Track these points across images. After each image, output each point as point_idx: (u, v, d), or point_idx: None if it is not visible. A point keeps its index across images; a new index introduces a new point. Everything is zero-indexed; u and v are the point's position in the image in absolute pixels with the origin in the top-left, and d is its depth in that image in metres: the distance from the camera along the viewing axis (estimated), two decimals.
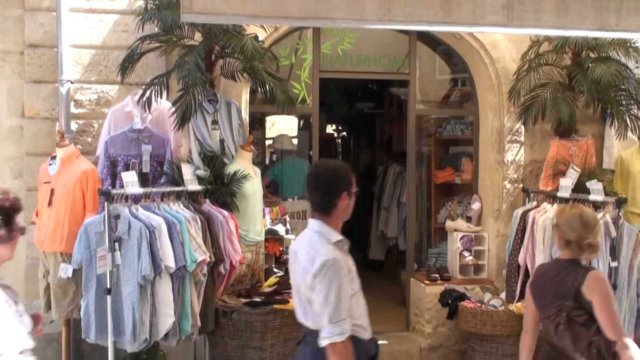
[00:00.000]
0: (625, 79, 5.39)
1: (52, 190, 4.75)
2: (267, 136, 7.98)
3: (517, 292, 5.29)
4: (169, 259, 4.28)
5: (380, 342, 3.15)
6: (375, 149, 10.20)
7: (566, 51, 5.63)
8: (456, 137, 6.89)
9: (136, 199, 4.51)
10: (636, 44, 5.50)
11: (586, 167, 5.42)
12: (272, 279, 5.47)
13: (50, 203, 4.74)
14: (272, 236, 5.86)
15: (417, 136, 6.67)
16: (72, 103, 5.32)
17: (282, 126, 9.06)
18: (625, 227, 4.79)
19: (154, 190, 4.60)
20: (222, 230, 4.76)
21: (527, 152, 6.17)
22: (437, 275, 6.18)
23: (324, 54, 6.22)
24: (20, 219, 2.66)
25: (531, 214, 5.26)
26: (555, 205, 5.15)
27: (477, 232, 6.28)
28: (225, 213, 4.87)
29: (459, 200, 6.75)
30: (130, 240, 4.25)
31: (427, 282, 6.13)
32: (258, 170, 5.48)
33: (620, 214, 4.78)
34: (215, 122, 5.20)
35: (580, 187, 5.08)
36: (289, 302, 4.91)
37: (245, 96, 5.75)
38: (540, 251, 5.05)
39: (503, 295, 5.54)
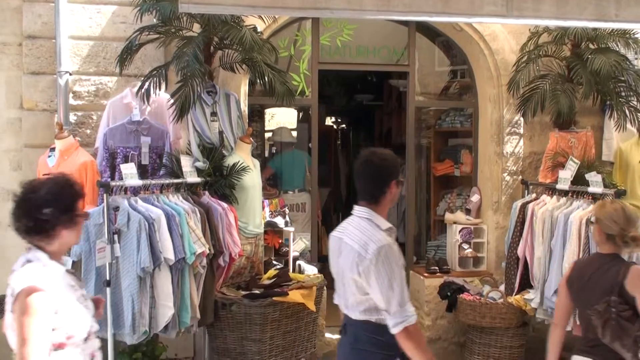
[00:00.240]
0: (625, 70, 5.37)
1: None
2: (266, 128, 7.97)
3: (516, 285, 5.30)
4: (168, 251, 4.28)
5: None
6: (375, 141, 10.20)
7: (565, 42, 5.61)
8: (455, 129, 6.89)
9: (135, 191, 4.51)
10: (636, 35, 5.48)
11: (585, 159, 5.41)
12: (272, 272, 5.48)
13: None
14: (271, 228, 5.86)
15: (416, 128, 6.66)
16: (71, 95, 5.31)
17: (281, 118, 9.06)
18: None
19: (153, 182, 4.60)
20: (221, 222, 4.76)
21: (527, 144, 6.16)
22: (436, 267, 6.18)
23: (323, 46, 6.20)
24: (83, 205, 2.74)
25: (530, 206, 5.26)
26: (555, 197, 5.15)
27: (477, 225, 6.28)
28: (225, 205, 4.87)
29: (458, 193, 6.75)
30: (129, 233, 4.24)
31: (426, 274, 6.14)
32: (257, 163, 5.48)
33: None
34: (214, 113, 5.19)
35: (579, 179, 5.07)
36: (288, 294, 4.91)
37: (244, 88, 5.74)
38: (539, 243, 5.05)
39: (502, 287, 5.55)
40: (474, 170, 6.53)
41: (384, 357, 2.87)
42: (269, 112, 8.44)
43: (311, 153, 6.41)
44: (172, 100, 4.83)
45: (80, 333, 2.53)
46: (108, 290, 4.24)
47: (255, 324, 4.84)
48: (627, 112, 5.38)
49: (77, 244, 2.93)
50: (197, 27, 5.06)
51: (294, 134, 7.96)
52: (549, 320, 5.11)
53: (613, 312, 3.23)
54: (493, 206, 6.18)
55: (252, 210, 5.30)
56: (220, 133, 5.24)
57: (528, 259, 5.18)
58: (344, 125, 12.10)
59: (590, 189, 4.88)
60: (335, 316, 6.26)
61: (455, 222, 6.30)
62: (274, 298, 4.87)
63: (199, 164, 4.98)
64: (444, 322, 6.05)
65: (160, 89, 4.94)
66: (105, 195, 4.28)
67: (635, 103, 5.44)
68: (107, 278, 4.25)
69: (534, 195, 5.52)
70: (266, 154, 7.99)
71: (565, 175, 5.11)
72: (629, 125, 5.49)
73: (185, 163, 4.82)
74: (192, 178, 4.79)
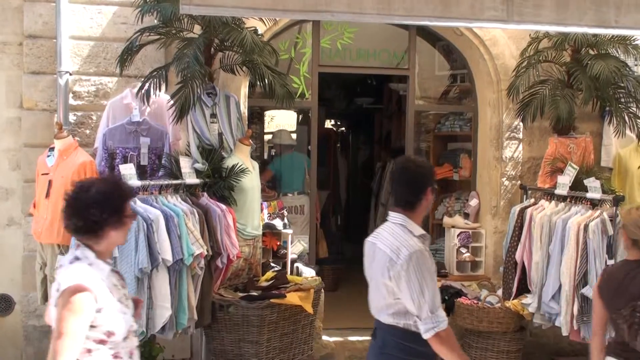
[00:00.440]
0: (624, 76, 5.38)
1: (49, 182, 4.74)
2: (265, 130, 7.98)
3: (514, 289, 5.30)
4: (166, 252, 4.28)
5: None
6: (374, 144, 10.20)
7: (565, 48, 5.62)
8: (455, 134, 6.89)
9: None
10: (635, 42, 5.49)
11: (584, 164, 5.42)
12: (269, 273, 5.48)
13: (48, 195, 4.73)
14: (269, 230, 5.86)
15: (415, 132, 6.67)
16: (71, 95, 5.32)
17: (280, 121, 9.07)
18: None
19: (152, 183, 4.59)
20: (219, 223, 4.76)
21: (526, 149, 6.17)
22: None
23: (324, 48, 6.22)
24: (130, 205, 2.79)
25: (529, 211, 5.26)
26: (553, 202, 5.16)
27: (475, 229, 6.28)
28: (223, 207, 4.87)
29: (456, 197, 6.75)
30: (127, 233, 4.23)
31: None
32: (256, 164, 5.48)
33: (618, 211, 4.78)
34: (213, 115, 5.19)
35: (578, 185, 5.07)
36: (285, 296, 4.91)
37: (244, 90, 5.74)
38: (537, 248, 5.06)
39: (500, 292, 5.54)
40: (473, 174, 6.53)
41: None
42: (268, 114, 8.46)
43: (310, 156, 6.41)
44: (172, 102, 4.82)
45: (121, 331, 2.58)
46: None
47: (253, 326, 4.83)
48: (626, 118, 5.39)
49: (123, 244, 3.06)
50: (197, 29, 5.06)
51: (294, 136, 7.97)
52: (546, 325, 5.12)
53: (637, 317, 3.26)
54: (491, 211, 6.19)
55: (251, 212, 5.30)
56: (220, 135, 5.24)
57: (526, 263, 5.18)
58: (343, 128, 12.12)
59: (589, 195, 4.88)
60: (332, 319, 6.29)
61: (453, 226, 6.30)
62: (272, 300, 4.87)
63: (198, 166, 4.98)
64: None
65: (160, 90, 4.95)
66: None
67: (634, 109, 5.44)
68: None
69: (532, 200, 5.52)
70: (265, 156, 8.00)
71: (564, 181, 5.12)
72: (628, 132, 5.48)
73: (185, 164, 4.82)
74: (191, 179, 4.79)
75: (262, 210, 5.70)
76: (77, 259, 2.60)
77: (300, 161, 7.17)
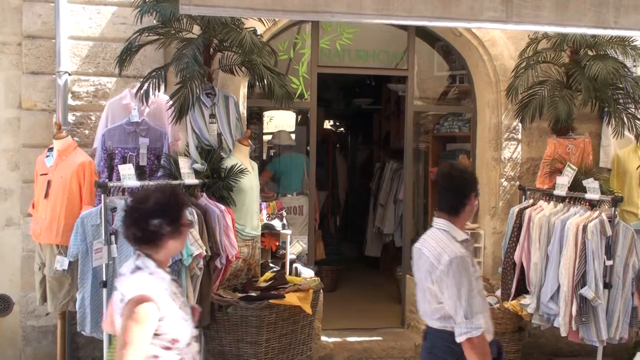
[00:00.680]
0: (623, 77, 5.39)
1: (48, 182, 4.74)
2: (264, 131, 7.98)
3: (513, 290, 5.29)
4: None
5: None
6: (373, 145, 10.20)
7: (564, 49, 5.62)
8: (454, 134, 6.89)
9: (133, 192, 4.50)
10: (634, 43, 5.49)
11: (583, 165, 5.43)
12: (268, 274, 5.48)
13: (46, 195, 4.73)
14: (268, 231, 5.86)
15: (414, 132, 6.67)
16: (70, 95, 5.32)
17: (279, 121, 9.07)
18: (621, 226, 4.79)
19: (151, 183, 4.59)
20: (218, 224, 4.76)
21: (524, 150, 6.17)
22: None
23: (323, 49, 6.22)
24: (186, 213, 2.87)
25: (527, 211, 5.26)
26: (552, 203, 5.16)
27: (474, 230, 6.27)
28: (222, 207, 4.87)
29: None
30: None
31: None
32: (255, 165, 5.48)
33: (616, 212, 4.78)
34: (212, 115, 5.19)
35: (576, 186, 5.08)
36: (284, 297, 4.91)
37: (243, 90, 5.74)
38: (536, 249, 5.06)
39: (498, 292, 5.54)
40: None
41: None
42: (267, 115, 8.46)
43: (309, 156, 6.41)
44: (170, 102, 4.82)
45: (184, 338, 2.65)
46: (104, 291, 4.24)
47: (252, 327, 4.83)
48: (625, 119, 5.40)
49: (181, 250, 3.24)
50: (197, 29, 5.06)
51: (293, 137, 7.97)
52: (544, 326, 5.12)
53: None
54: (490, 211, 6.19)
55: (250, 212, 5.30)
56: (219, 135, 5.24)
57: (524, 264, 5.18)
58: (342, 129, 12.12)
59: (588, 196, 4.89)
60: (331, 319, 6.29)
61: None
62: (271, 301, 4.87)
63: (197, 166, 4.98)
64: None
65: (159, 91, 4.95)
66: (102, 196, 4.29)
67: (633, 110, 5.45)
68: (104, 279, 4.24)
69: (531, 201, 5.52)
70: (264, 157, 8.00)
71: (563, 182, 5.12)
72: (626, 132, 5.49)
73: (183, 165, 4.82)
74: (189, 180, 4.79)
75: (261, 210, 5.70)
76: (138, 268, 2.65)
77: (299, 162, 7.17)
